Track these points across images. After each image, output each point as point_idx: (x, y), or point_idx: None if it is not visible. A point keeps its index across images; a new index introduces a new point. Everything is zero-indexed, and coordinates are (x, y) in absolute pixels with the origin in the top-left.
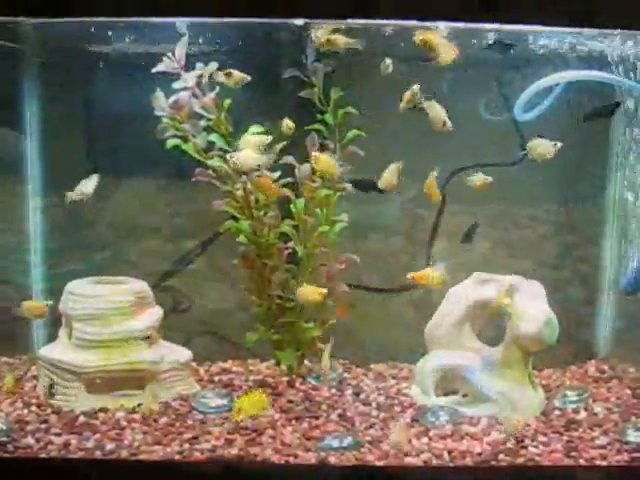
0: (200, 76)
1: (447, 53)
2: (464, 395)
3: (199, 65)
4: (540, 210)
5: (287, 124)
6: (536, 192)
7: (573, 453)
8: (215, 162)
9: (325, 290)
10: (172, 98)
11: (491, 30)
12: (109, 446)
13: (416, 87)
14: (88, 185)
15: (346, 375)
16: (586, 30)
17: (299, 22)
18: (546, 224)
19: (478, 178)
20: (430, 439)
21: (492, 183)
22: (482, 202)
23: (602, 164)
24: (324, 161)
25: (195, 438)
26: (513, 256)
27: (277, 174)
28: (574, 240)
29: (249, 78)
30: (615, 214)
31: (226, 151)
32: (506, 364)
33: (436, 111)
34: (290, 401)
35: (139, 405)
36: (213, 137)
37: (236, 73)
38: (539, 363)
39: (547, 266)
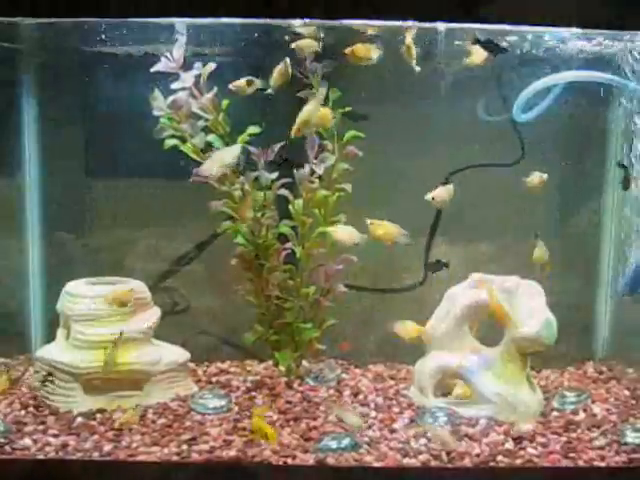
0: (198, 76)
1: (477, 55)
2: None
3: (197, 65)
4: (538, 211)
5: (286, 64)
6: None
7: (571, 454)
8: None
9: (424, 329)
10: (170, 98)
11: (490, 30)
12: (107, 447)
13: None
14: (229, 155)
15: (345, 376)
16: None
17: (297, 23)
18: (545, 225)
19: (535, 176)
20: (429, 440)
21: (491, 183)
22: (478, 204)
23: (600, 165)
24: (313, 111)
25: (193, 439)
26: (511, 257)
27: (275, 174)
28: (573, 241)
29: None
30: (614, 216)
31: None
32: (504, 365)
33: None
34: (288, 402)
35: (136, 406)
36: (211, 138)
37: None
38: (538, 364)
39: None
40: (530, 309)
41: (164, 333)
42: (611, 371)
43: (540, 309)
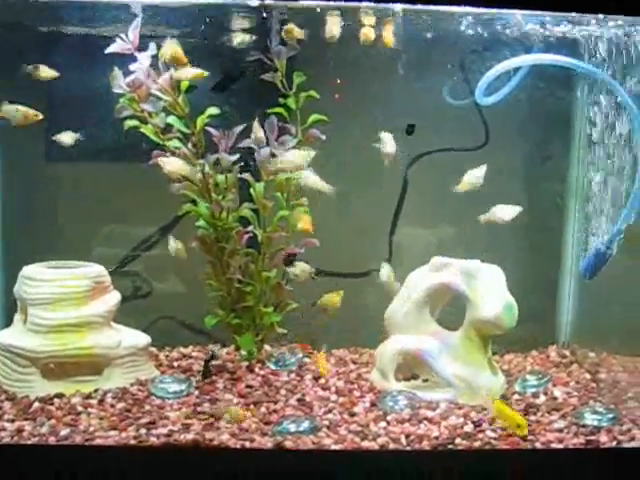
0: (154, 56)
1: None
2: (424, 380)
3: (152, 45)
4: (501, 194)
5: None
6: (497, 176)
7: (530, 437)
8: (174, 144)
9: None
10: (129, 77)
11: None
12: (63, 432)
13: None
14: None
15: (306, 360)
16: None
17: (254, 3)
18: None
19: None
20: (388, 423)
21: (455, 167)
22: (444, 188)
23: (564, 149)
24: None
25: (152, 423)
26: (472, 240)
27: (236, 157)
28: (536, 225)
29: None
30: (577, 199)
31: (184, 133)
32: (465, 348)
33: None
34: (249, 386)
35: (95, 391)
36: (170, 119)
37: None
38: (501, 348)
39: (508, 251)
40: (490, 292)
41: (126, 318)
42: (573, 355)
43: (500, 292)
